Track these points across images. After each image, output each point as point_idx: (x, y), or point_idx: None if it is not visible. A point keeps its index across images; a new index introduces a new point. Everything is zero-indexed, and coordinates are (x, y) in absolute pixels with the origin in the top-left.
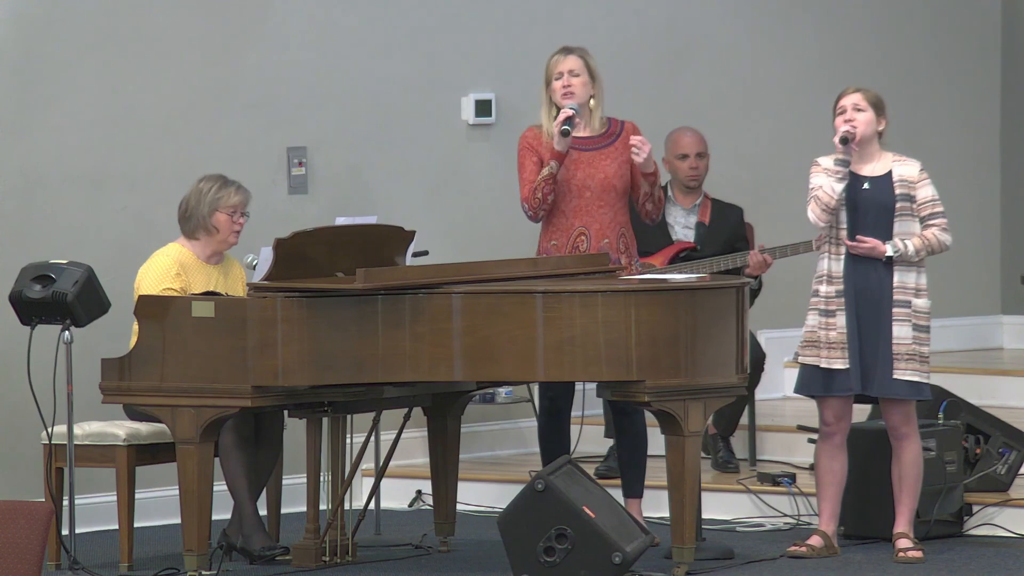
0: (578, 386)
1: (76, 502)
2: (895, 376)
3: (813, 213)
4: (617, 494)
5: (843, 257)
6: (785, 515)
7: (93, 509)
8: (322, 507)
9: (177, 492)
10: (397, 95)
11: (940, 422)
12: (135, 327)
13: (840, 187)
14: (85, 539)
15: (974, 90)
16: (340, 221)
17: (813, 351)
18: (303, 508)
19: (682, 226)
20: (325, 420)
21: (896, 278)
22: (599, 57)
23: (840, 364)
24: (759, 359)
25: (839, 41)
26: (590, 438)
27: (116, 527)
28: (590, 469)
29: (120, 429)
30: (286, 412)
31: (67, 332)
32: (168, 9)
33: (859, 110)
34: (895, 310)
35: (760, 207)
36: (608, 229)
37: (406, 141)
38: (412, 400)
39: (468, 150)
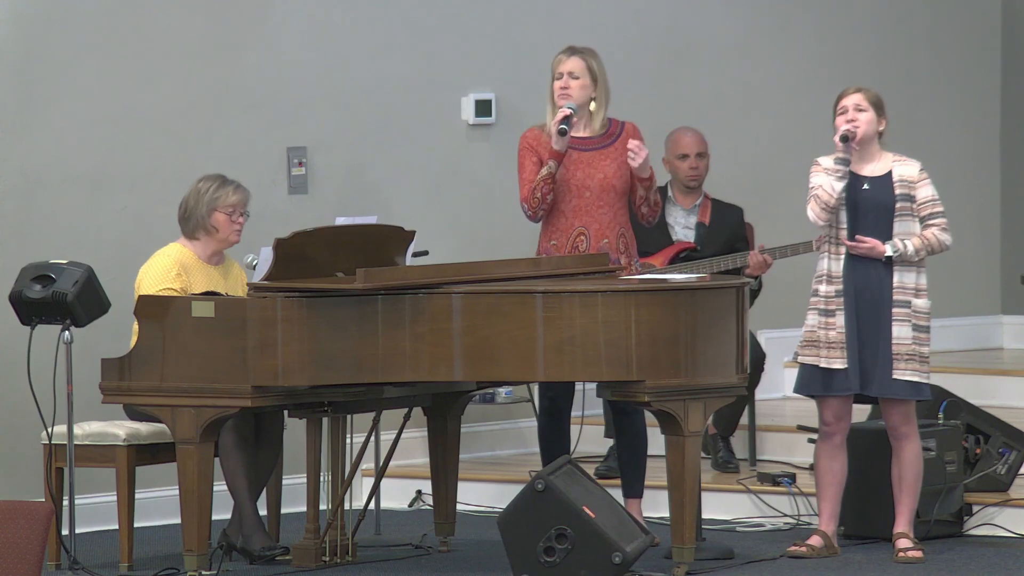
0: (578, 386)
1: (76, 502)
2: (895, 376)
3: (813, 212)
4: (617, 494)
5: (843, 257)
6: (785, 515)
7: (93, 509)
8: (322, 507)
9: (177, 492)
10: (397, 95)
11: (940, 422)
12: (135, 327)
13: (840, 186)
14: (85, 539)
15: (974, 90)
16: (340, 221)
17: (813, 351)
18: (303, 508)
19: (682, 226)
20: (325, 420)
21: (896, 278)
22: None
23: (840, 364)
24: (759, 359)
25: (839, 41)
26: (590, 438)
27: (116, 527)
28: (590, 469)
29: (120, 429)
30: (286, 412)
31: (67, 332)
32: (168, 9)
33: (860, 110)
34: (895, 310)
35: (760, 207)
36: (608, 229)
37: (406, 141)
38: (412, 400)
39: (468, 150)
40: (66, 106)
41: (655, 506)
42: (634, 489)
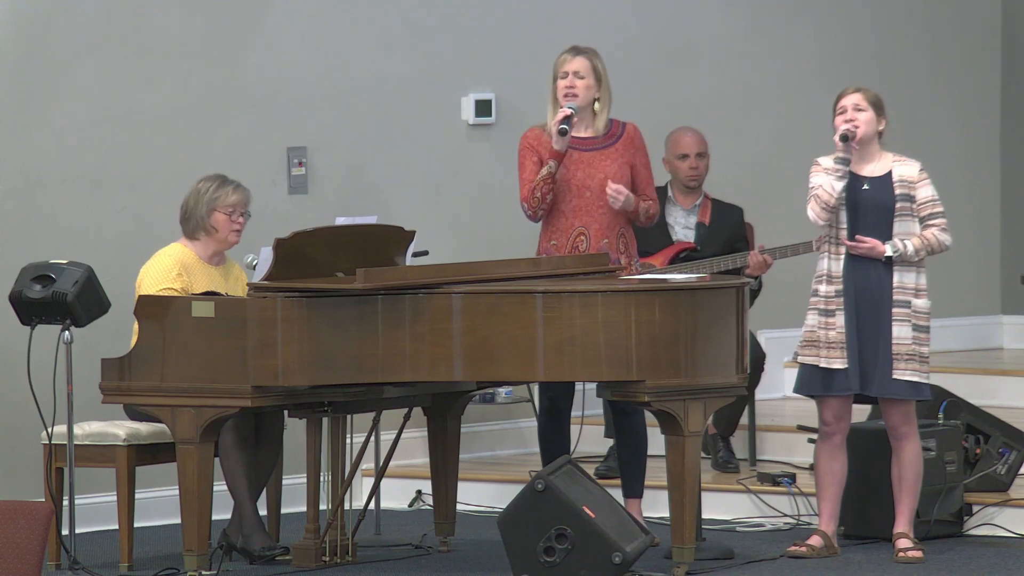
0: (578, 386)
1: (76, 502)
2: (895, 376)
3: (813, 212)
4: (617, 494)
5: (843, 257)
6: (785, 515)
7: (93, 509)
8: (322, 507)
9: (177, 492)
10: (397, 95)
11: (940, 422)
12: (135, 327)
13: (840, 186)
14: (85, 539)
15: (974, 90)
16: (340, 221)
17: (812, 351)
18: (303, 508)
19: (682, 226)
20: (325, 420)
21: (896, 278)
22: None
23: (839, 364)
24: (759, 359)
25: (839, 41)
26: (590, 438)
27: (116, 527)
28: (590, 469)
29: (120, 429)
30: (286, 412)
31: (67, 332)
32: (168, 9)
33: (860, 110)
34: (895, 310)
35: (760, 207)
36: (608, 229)
37: (406, 141)
38: (412, 400)
39: (468, 150)
40: (66, 106)
41: (655, 506)
42: (634, 489)
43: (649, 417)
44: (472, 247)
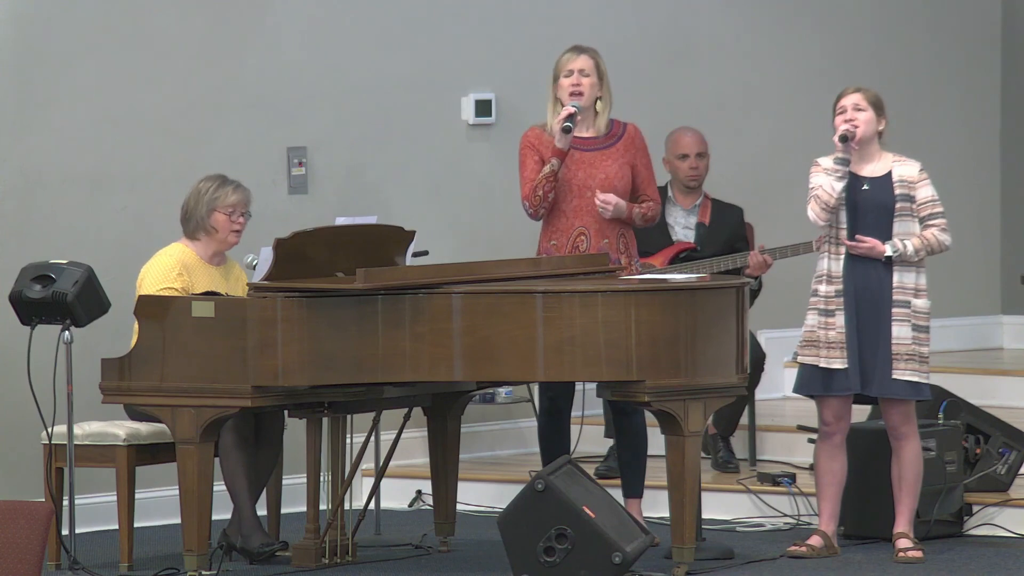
0: (578, 386)
1: (76, 502)
2: (894, 376)
3: (813, 212)
4: (617, 494)
5: (843, 257)
6: (785, 515)
7: (93, 509)
8: (322, 507)
9: (177, 492)
10: (397, 95)
11: (940, 422)
12: (135, 327)
13: (840, 186)
14: (85, 539)
15: (974, 90)
16: (340, 221)
17: (812, 351)
18: (303, 508)
19: (682, 226)
20: (325, 420)
21: (896, 278)
22: None
23: (839, 364)
24: (759, 359)
25: (839, 41)
26: (590, 438)
27: (116, 527)
28: (590, 469)
29: (120, 429)
30: (286, 412)
31: (67, 332)
32: (168, 9)
33: (859, 110)
34: (894, 310)
35: (760, 207)
36: (608, 229)
37: (406, 141)
38: (412, 400)
39: (468, 150)
40: (66, 106)
41: (655, 506)
42: (634, 489)
43: (649, 417)
44: (472, 247)
